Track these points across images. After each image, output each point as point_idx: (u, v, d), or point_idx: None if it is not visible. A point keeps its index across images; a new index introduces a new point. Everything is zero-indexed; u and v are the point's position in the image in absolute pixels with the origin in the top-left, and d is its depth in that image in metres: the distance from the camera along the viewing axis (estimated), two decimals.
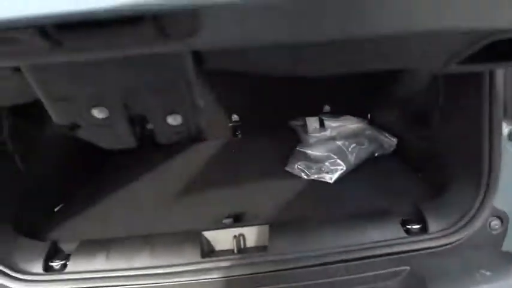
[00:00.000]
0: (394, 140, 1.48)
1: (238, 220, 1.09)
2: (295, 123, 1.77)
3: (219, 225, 1.04)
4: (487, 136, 0.95)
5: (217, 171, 1.48)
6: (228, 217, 1.07)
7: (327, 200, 1.20)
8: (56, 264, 0.96)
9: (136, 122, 0.56)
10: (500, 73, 0.93)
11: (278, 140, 1.72)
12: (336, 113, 1.74)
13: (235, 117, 1.83)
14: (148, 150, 1.73)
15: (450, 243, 0.95)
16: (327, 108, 1.84)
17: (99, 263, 0.95)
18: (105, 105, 0.50)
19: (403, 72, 1.39)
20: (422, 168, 1.30)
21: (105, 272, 0.93)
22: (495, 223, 0.98)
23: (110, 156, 1.69)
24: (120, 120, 0.53)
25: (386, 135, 1.50)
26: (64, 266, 0.96)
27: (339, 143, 1.43)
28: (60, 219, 1.18)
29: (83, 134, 0.55)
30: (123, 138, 0.56)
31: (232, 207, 1.15)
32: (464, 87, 1.00)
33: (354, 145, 1.41)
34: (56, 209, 1.27)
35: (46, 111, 1.32)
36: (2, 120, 1.06)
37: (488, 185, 0.97)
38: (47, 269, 0.95)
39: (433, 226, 0.99)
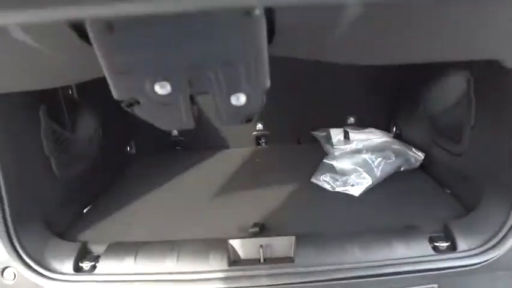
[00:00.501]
0: (421, 155, 1.46)
1: (263, 229, 1.09)
2: (319, 134, 1.77)
3: (246, 234, 1.05)
4: None
5: (242, 180, 1.49)
6: (254, 226, 1.08)
7: (353, 213, 1.19)
8: (85, 265, 0.98)
9: (197, 101, 0.55)
10: None
11: (302, 150, 1.72)
12: (360, 125, 1.74)
13: (259, 126, 1.84)
14: (174, 157, 1.76)
15: (480, 263, 0.93)
16: (351, 120, 1.84)
17: (127, 265, 0.97)
18: (168, 81, 0.50)
19: (432, 86, 1.37)
20: (451, 184, 1.28)
21: (133, 275, 0.95)
22: None
23: (136, 160, 1.73)
24: (182, 97, 0.52)
25: (413, 149, 1.48)
26: (93, 267, 0.98)
27: (365, 156, 1.42)
28: (89, 221, 1.21)
29: (141, 112, 0.53)
30: (182, 119, 0.55)
31: (257, 216, 1.16)
32: (499, 103, 0.98)
33: (380, 159, 1.40)
34: (85, 210, 1.30)
35: (78, 114, 1.35)
36: (39, 123, 1.10)
37: None
38: (77, 269, 0.97)
39: (462, 244, 0.97)
